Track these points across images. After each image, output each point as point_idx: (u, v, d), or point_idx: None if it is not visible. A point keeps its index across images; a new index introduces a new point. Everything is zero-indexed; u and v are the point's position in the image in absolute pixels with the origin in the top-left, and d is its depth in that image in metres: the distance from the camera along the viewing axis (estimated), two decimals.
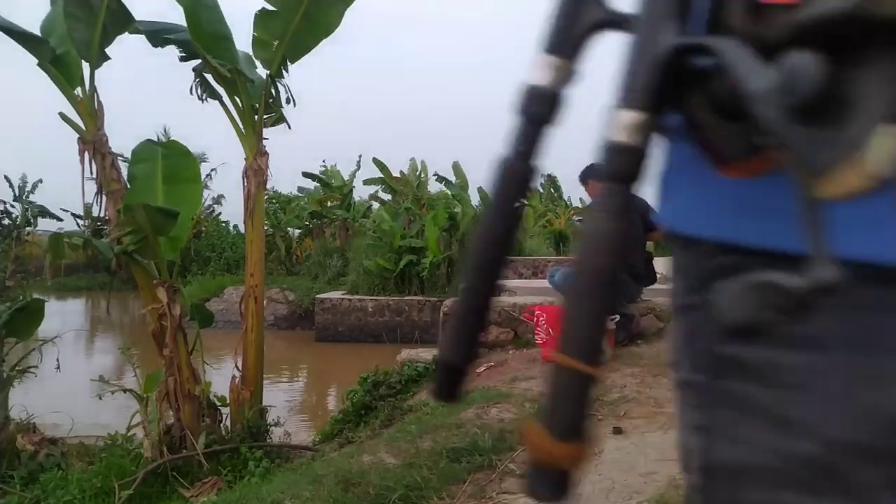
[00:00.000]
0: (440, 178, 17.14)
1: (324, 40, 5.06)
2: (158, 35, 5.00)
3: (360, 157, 18.28)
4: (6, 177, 25.26)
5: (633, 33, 0.33)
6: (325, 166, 18.44)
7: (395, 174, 16.71)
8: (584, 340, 0.34)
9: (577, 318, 0.34)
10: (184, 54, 5.12)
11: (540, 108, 0.39)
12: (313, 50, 5.12)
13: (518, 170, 0.42)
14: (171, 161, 4.92)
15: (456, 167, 15.97)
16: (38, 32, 4.75)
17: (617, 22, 0.37)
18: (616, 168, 0.34)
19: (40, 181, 26.21)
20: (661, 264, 5.06)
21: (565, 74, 0.39)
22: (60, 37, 4.72)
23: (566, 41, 0.37)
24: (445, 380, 0.46)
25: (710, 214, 0.31)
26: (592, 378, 0.33)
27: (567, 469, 0.33)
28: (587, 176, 4.74)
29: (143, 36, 5.00)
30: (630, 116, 0.33)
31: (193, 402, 4.74)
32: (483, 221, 0.43)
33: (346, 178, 18.49)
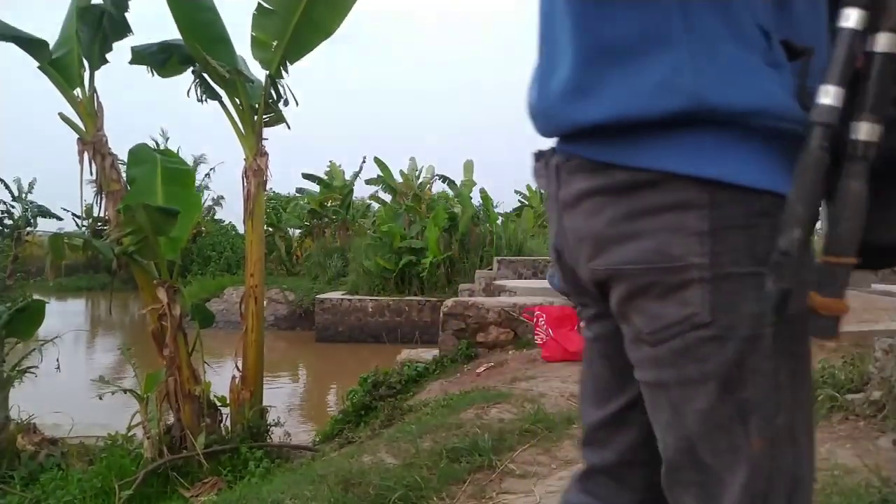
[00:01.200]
0: (444, 178, 17.10)
1: (324, 41, 5.07)
2: (157, 56, 5.02)
3: (363, 158, 18.23)
4: (1, 179, 25.27)
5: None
6: (329, 166, 18.44)
7: (397, 173, 16.70)
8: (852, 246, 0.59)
9: (846, 234, 0.59)
10: (182, 59, 5.13)
11: (835, 121, 0.60)
12: (314, 51, 5.13)
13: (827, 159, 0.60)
14: (168, 166, 4.95)
15: (467, 166, 15.84)
16: (38, 34, 4.76)
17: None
18: (865, 153, 0.59)
19: (34, 181, 26.23)
20: None
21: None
22: (62, 38, 4.75)
23: (845, 78, 0.60)
24: None
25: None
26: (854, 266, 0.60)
27: (841, 316, 0.59)
28: None
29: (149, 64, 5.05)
30: (875, 127, 0.59)
31: (194, 403, 4.75)
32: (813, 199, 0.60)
33: (347, 178, 18.48)
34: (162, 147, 25.26)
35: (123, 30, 4.97)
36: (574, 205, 0.74)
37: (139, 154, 4.97)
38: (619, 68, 0.68)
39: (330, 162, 18.42)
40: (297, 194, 20.22)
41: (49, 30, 4.91)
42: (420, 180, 17.05)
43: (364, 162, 18.05)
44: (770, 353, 0.66)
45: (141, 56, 4.99)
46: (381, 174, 16.65)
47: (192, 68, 5.18)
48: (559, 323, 4.30)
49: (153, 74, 5.12)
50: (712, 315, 0.66)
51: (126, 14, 4.92)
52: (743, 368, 0.66)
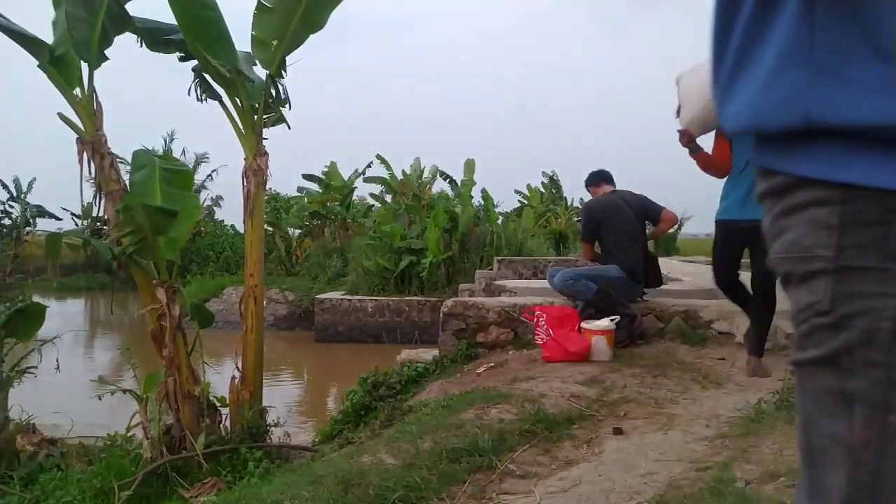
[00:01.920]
0: (444, 175, 17.08)
1: (313, 34, 5.10)
2: (157, 36, 5.01)
3: (370, 162, 18.19)
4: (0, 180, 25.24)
5: None
6: (328, 166, 18.46)
7: (399, 173, 16.69)
8: None
9: None
10: (182, 54, 5.12)
11: None
12: (319, 48, 5.15)
13: None
14: (166, 168, 4.96)
15: (468, 164, 15.73)
16: (38, 33, 4.74)
17: None
18: None
19: (34, 180, 26.26)
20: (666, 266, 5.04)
21: None
22: (60, 37, 4.73)
23: None
24: None
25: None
26: None
27: None
28: (591, 182, 4.93)
29: (143, 37, 5.02)
30: None
31: (193, 403, 4.74)
32: None
33: (348, 177, 18.48)
34: (166, 147, 25.39)
35: (124, 22, 4.87)
36: (762, 205, 0.85)
37: (139, 158, 4.98)
38: (751, 83, 0.78)
39: (330, 162, 18.44)
40: (299, 194, 20.23)
41: (42, 22, 4.89)
42: (423, 179, 17.05)
43: (370, 165, 18.04)
44: (887, 348, 0.69)
45: (137, 30, 4.94)
46: (382, 174, 16.64)
47: (192, 67, 5.18)
48: (559, 323, 4.29)
49: (141, 45, 5.08)
50: (831, 304, 0.72)
51: (126, 6, 4.84)
52: (853, 358, 0.71)
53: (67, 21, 4.58)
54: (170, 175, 4.92)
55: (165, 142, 25.36)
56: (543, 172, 26.01)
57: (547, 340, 4.25)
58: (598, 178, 4.93)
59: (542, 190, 24.91)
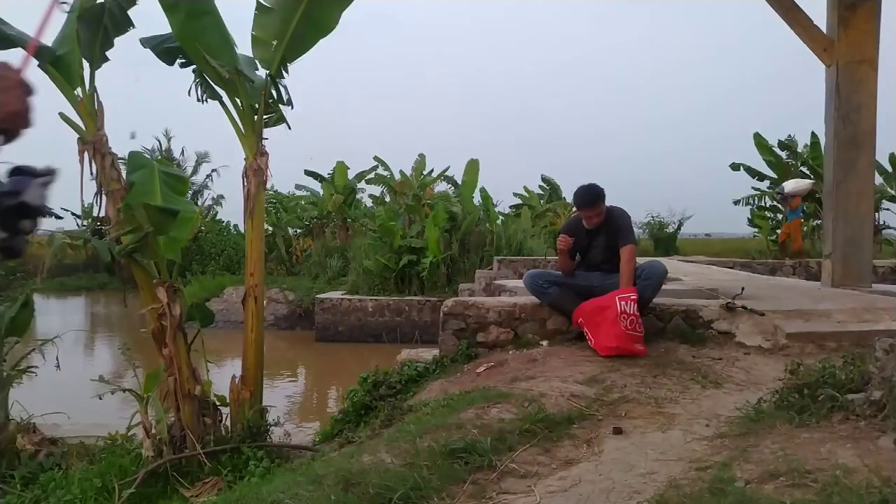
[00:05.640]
0: (446, 177, 17.05)
1: (323, 38, 5.09)
2: (161, 47, 5.10)
3: (375, 165, 18.18)
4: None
5: None
6: (336, 167, 18.49)
7: (398, 172, 16.71)
8: None
9: None
10: (183, 60, 5.16)
11: None
12: (312, 49, 5.15)
13: None
14: (166, 175, 5.01)
15: (471, 165, 15.42)
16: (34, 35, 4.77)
17: None
18: None
19: None
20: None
21: None
22: (61, 37, 4.76)
23: None
24: None
25: None
26: None
27: None
28: (590, 204, 4.77)
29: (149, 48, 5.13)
30: None
31: (193, 402, 4.75)
32: None
33: (351, 177, 18.52)
34: (164, 147, 25.37)
35: (125, 25, 5.01)
36: None
37: (135, 160, 5.03)
38: None
39: (337, 162, 18.46)
40: (297, 191, 20.23)
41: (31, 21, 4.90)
42: (425, 177, 17.06)
43: (376, 167, 18.05)
44: None
45: (145, 46, 5.13)
46: (380, 173, 16.65)
47: (192, 69, 5.20)
48: (592, 317, 4.26)
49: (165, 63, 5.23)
50: None
51: (128, 10, 4.99)
52: None
53: (70, 23, 4.63)
54: (167, 178, 4.97)
55: (161, 143, 25.35)
56: (542, 177, 25.98)
57: (593, 341, 4.24)
58: (596, 199, 4.54)
59: (542, 192, 25.02)
